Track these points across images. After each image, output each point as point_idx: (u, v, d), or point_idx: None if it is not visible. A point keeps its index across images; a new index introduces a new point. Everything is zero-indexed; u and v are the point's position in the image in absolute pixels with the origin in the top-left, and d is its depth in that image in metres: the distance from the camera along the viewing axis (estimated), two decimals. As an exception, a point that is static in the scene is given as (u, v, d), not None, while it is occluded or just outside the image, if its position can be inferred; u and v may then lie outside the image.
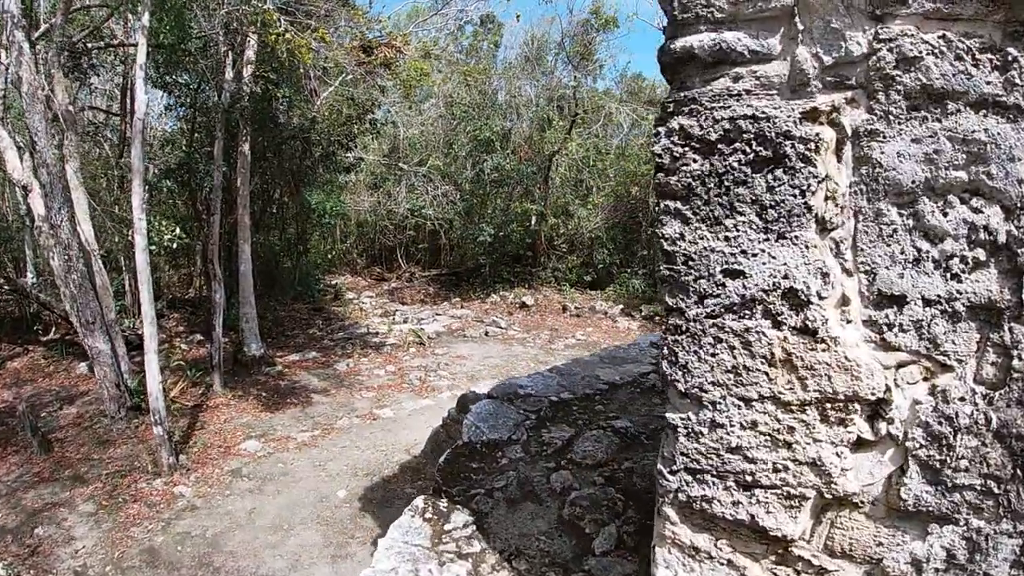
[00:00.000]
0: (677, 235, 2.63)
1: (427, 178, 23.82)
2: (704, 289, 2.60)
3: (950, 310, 2.20)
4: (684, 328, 2.68)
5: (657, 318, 20.99)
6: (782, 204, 2.41)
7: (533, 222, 23.70)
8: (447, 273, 25.59)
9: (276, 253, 19.22)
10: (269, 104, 15.28)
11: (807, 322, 2.42)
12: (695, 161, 2.55)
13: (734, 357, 2.58)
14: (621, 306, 21.97)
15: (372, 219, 26.06)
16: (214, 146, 13.46)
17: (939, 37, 2.11)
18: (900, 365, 2.33)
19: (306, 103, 16.48)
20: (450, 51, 25.15)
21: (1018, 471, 2.16)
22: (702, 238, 2.58)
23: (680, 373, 2.72)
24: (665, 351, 2.77)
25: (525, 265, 24.56)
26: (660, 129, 2.62)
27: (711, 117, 2.49)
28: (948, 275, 2.19)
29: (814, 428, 2.48)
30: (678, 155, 2.58)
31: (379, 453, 10.26)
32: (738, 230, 2.50)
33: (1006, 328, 2.12)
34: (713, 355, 2.63)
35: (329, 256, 24.86)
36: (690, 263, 2.61)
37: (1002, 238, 2.09)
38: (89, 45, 13.02)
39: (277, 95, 15.12)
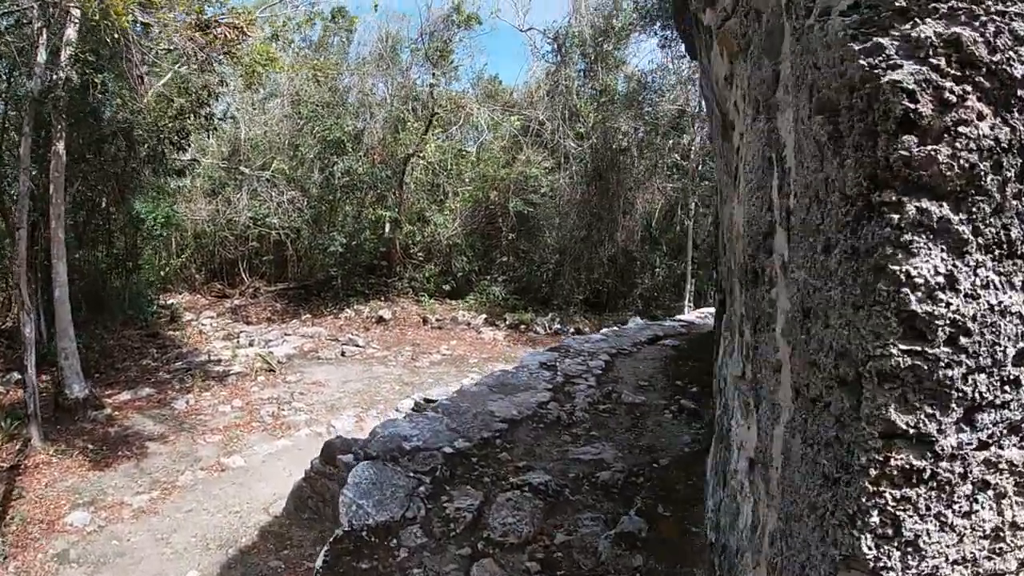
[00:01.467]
0: (940, 279, 1.38)
1: (271, 183, 22.40)
2: (980, 394, 1.42)
3: None
4: (925, 474, 1.43)
5: (523, 326, 20.55)
6: None
7: (387, 229, 22.86)
8: (295, 287, 24.21)
9: (102, 272, 17.26)
10: (88, 94, 13.21)
11: None
12: (983, 119, 1.37)
13: (1001, 512, 1.49)
14: (484, 316, 21.45)
15: (211, 229, 24.18)
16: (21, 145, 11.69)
17: None
18: None
19: (131, 92, 14.46)
20: (298, 45, 23.79)
21: None
22: (987, 286, 1.40)
23: (897, 555, 1.46)
24: (858, 514, 1.47)
25: (380, 276, 23.66)
26: (886, 42, 1.41)
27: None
28: None
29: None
30: (951, 100, 1.36)
31: (233, 516, 9.05)
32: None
33: None
34: (969, 513, 1.47)
35: (163, 272, 22.71)
36: (961, 339, 1.40)
37: None
38: None
39: (95, 81, 13.05)
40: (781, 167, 2.00)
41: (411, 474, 5.30)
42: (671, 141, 21.48)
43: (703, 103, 20.78)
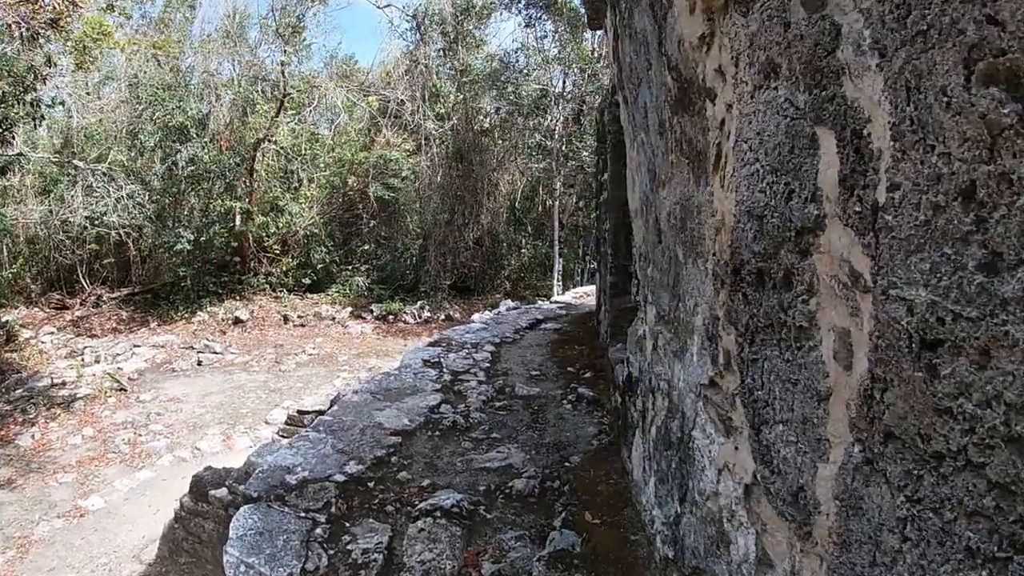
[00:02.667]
0: None
1: (108, 177, 20.84)
2: None
3: None
4: None
5: (391, 317, 20.16)
6: None
7: (238, 222, 21.85)
8: (141, 291, 22.73)
9: None
10: None
11: None
12: None
13: None
14: (349, 309, 20.98)
15: (44, 233, 22.26)
16: None
17: None
18: None
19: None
20: (136, 21, 22.22)
21: None
22: None
23: None
24: None
25: (233, 273, 22.69)
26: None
27: None
28: None
29: None
30: None
31: (101, 571, 8.38)
32: None
33: None
34: None
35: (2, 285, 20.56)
36: None
37: None
38: None
39: None
40: (853, 150, 1.57)
41: (303, 514, 4.65)
42: (534, 121, 21.34)
43: (568, 82, 20.96)
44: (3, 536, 9.19)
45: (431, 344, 9.31)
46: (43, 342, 18.64)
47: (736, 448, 2.36)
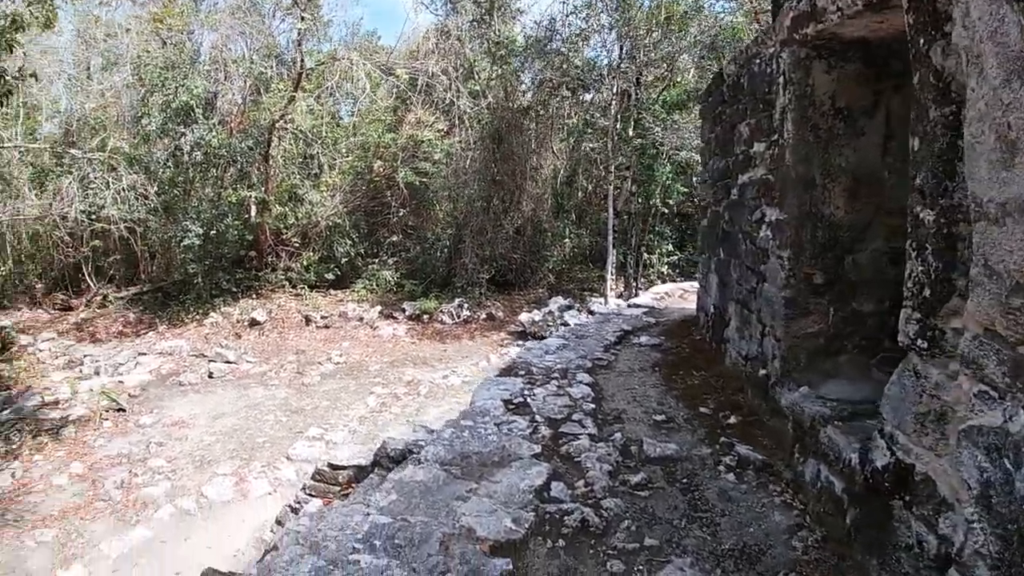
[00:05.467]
0: None
1: (108, 166, 19.30)
2: None
3: None
4: None
5: (426, 316, 18.54)
6: None
7: (253, 213, 20.48)
8: (150, 290, 21.35)
9: None
10: None
11: None
12: None
13: None
14: (378, 307, 19.38)
15: (44, 229, 20.82)
16: None
17: None
18: None
19: None
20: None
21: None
22: None
23: None
24: None
25: (249, 269, 21.25)
26: None
27: None
28: None
29: None
30: None
31: None
32: None
33: None
34: None
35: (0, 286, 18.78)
36: None
37: None
38: None
39: None
40: None
41: None
42: (587, 97, 19.47)
43: (623, 52, 18.92)
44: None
45: (505, 372, 7.48)
46: (40, 350, 17.18)
47: None
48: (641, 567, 3.71)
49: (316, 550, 4.42)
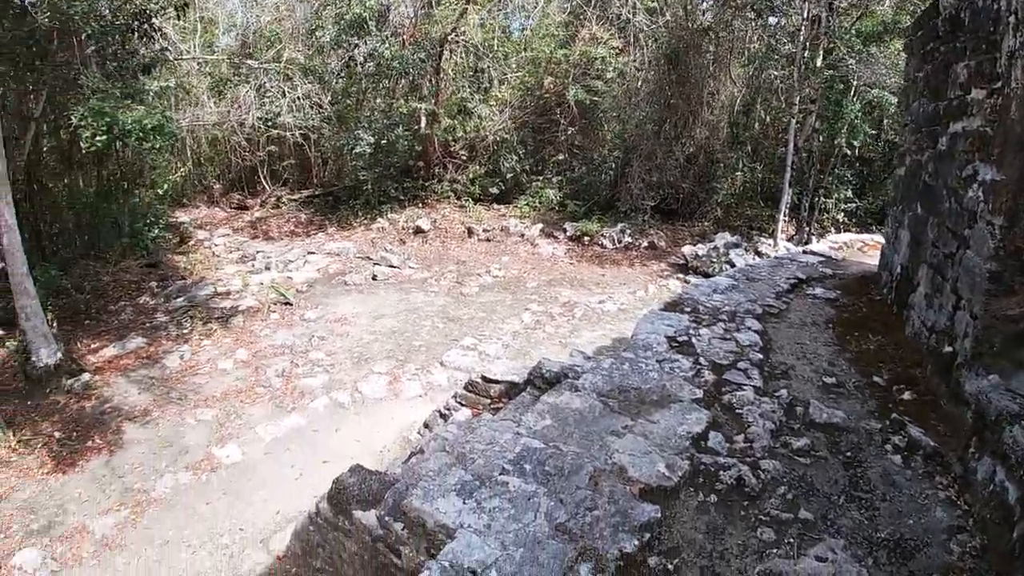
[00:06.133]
0: None
1: (284, 76, 19.78)
2: None
3: None
4: None
5: (586, 239, 18.21)
6: None
7: (423, 124, 20.54)
8: (321, 194, 22.08)
9: (92, 199, 14.91)
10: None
11: None
12: None
13: None
14: (540, 225, 19.20)
15: (223, 134, 21.79)
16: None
17: None
18: None
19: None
20: None
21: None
22: None
23: None
24: None
25: (416, 179, 21.54)
26: None
27: None
28: None
29: None
30: None
31: (220, 554, 6.93)
32: None
33: None
34: None
35: (163, 190, 19.26)
36: None
37: None
38: None
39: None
40: None
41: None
42: (772, 20, 18.26)
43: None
44: (123, 487, 7.92)
45: (670, 307, 7.19)
46: (216, 245, 18.04)
47: None
48: (792, 540, 3.51)
49: (463, 461, 4.34)
